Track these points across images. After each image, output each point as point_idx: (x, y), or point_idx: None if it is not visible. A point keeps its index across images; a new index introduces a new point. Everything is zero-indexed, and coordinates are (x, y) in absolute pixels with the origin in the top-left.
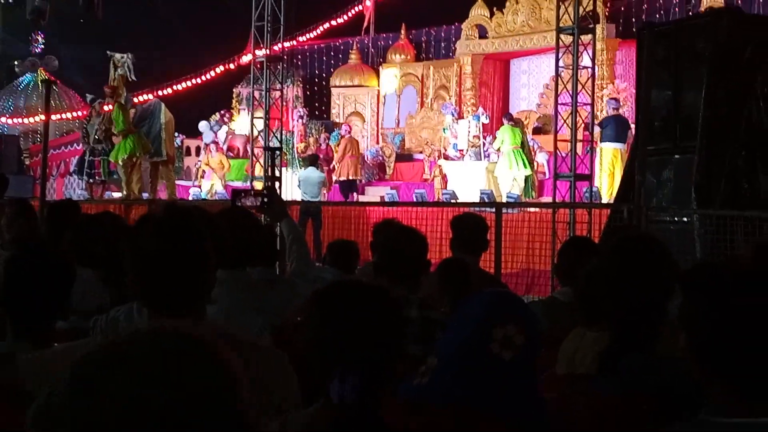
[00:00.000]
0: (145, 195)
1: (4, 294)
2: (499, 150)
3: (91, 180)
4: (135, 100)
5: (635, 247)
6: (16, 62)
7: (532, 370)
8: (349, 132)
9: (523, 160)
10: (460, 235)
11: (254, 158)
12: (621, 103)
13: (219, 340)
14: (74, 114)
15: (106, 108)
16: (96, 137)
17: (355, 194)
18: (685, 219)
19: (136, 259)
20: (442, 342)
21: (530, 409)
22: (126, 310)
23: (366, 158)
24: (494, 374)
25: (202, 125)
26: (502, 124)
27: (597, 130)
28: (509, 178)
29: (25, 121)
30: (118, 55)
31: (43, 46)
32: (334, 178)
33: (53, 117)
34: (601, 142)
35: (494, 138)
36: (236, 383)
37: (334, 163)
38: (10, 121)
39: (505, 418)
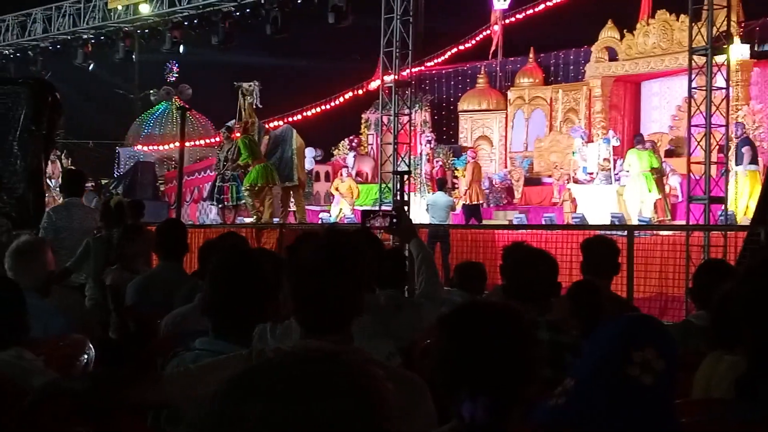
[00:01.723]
0: (276, 220)
1: (211, 297)
2: (628, 173)
3: (220, 205)
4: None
5: None
6: (152, 91)
7: (672, 396)
8: (474, 158)
9: (648, 183)
10: (590, 258)
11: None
12: (750, 126)
13: (370, 363)
14: (206, 141)
15: (235, 136)
16: (224, 164)
17: (474, 218)
18: None
19: (296, 274)
20: (580, 363)
21: None
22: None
23: (494, 182)
24: (633, 398)
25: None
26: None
27: (732, 152)
28: (637, 202)
29: (160, 148)
30: (246, 84)
31: (177, 76)
32: (461, 202)
33: (187, 144)
34: (735, 165)
35: (623, 160)
36: (388, 409)
37: (463, 187)
38: (146, 148)
39: None
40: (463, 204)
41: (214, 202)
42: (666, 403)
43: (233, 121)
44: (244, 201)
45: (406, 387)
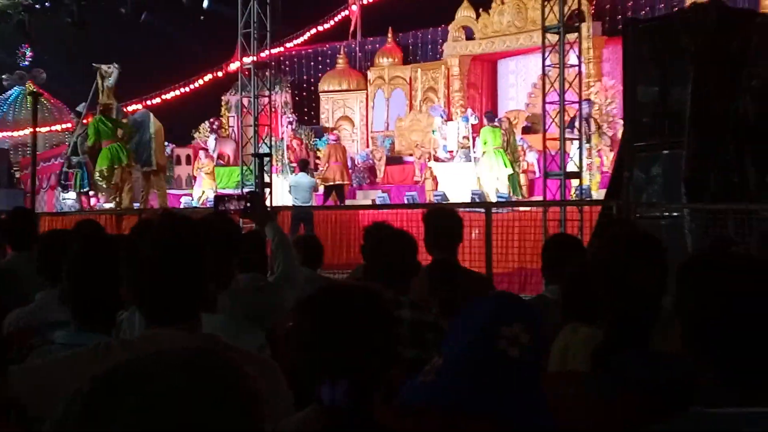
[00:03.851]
0: (136, 205)
1: (72, 288)
2: (484, 153)
3: (64, 192)
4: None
5: (629, 242)
6: (3, 76)
7: (539, 371)
8: (336, 139)
9: (503, 159)
10: (432, 230)
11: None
12: (602, 102)
13: (234, 355)
14: (62, 126)
15: (85, 121)
16: (72, 149)
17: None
18: (675, 214)
19: (134, 265)
20: (447, 341)
21: (536, 412)
22: (129, 315)
23: (356, 162)
24: (500, 371)
25: None
26: (484, 125)
27: (585, 128)
28: (492, 179)
29: (14, 134)
30: (104, 66)
31: (30, 59)
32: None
33: (41, 129)
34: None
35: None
36: (260, 405)
37: (320, 169)
38: None
39: (507, 420)
40: (325, 185)
41: (61, 189)
42: (533, 376)
43: (83, 104)
44: (87, 189)
45: (263, 372)
